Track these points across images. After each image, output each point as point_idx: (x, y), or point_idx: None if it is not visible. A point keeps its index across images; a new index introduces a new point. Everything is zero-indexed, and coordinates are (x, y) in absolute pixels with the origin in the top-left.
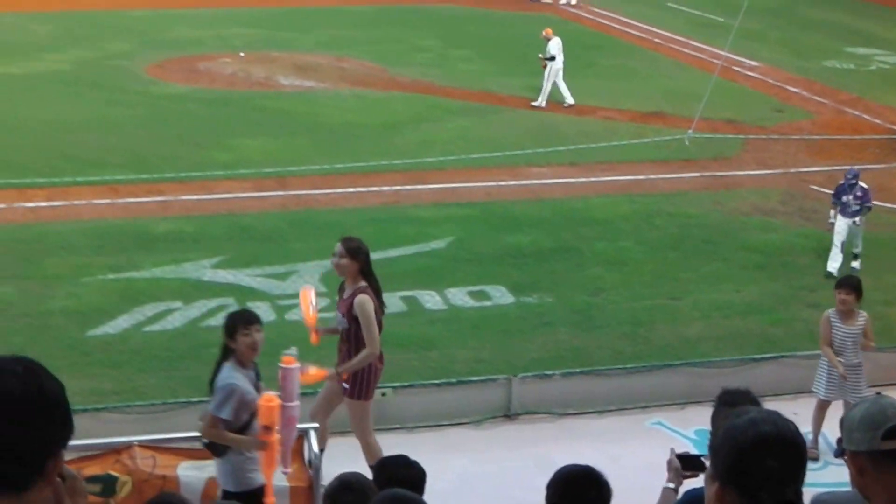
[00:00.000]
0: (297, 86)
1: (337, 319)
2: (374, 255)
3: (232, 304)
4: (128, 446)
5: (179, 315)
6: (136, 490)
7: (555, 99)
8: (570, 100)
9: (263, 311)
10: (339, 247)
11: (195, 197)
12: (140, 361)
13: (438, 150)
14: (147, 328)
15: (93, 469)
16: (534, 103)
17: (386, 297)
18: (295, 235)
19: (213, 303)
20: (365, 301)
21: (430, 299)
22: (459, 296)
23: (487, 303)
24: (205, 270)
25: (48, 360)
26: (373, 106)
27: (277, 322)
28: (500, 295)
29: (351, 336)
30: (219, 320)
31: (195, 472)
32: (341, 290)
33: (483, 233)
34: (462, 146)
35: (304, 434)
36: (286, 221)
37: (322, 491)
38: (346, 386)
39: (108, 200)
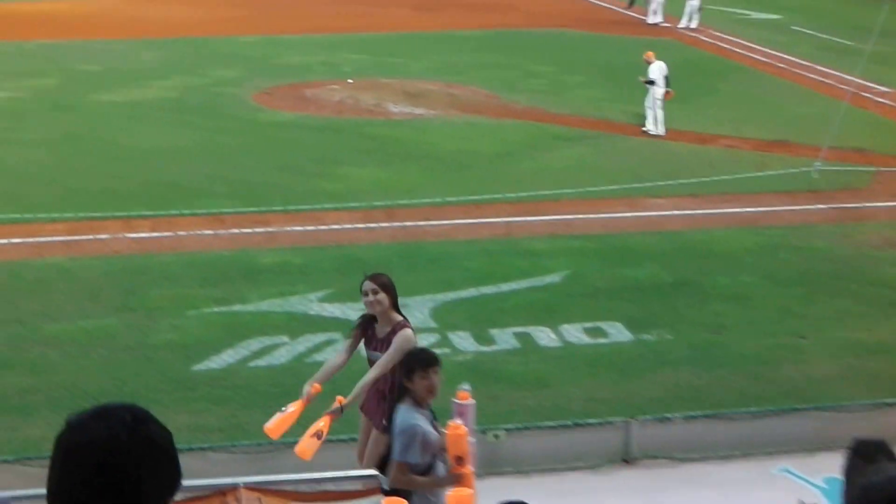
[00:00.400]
0: (406, 113)
1: (371, 359)
2: (485, 290)
3: (339, 340)
4: (233, 487)
5: (285, 350)
6: None
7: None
8: (652, 128)
9: None
10: (369, 284)
11: (302, 228)
12: (245, 397)
13: (552, 180)
14: (252, 363)
15: None
16: (646, 129)
17: (498, 332)
18: (404, 268)
19: (319, 338)
20: (412, 336)
21: (544, 336)
22: (574, 332)
23: (603, 340)
24: (311, 304)
25: (152, 395)
26: (484, 134)
27: None
28: (617, 332)
29: (390, 376)
30: (325, 355)
31: None
32: (365, 328)
33: (599, 266)
34: (577, 175)
35: None
36: (395, 253)
37: None
38: (385, 423)
39: (213, 231)
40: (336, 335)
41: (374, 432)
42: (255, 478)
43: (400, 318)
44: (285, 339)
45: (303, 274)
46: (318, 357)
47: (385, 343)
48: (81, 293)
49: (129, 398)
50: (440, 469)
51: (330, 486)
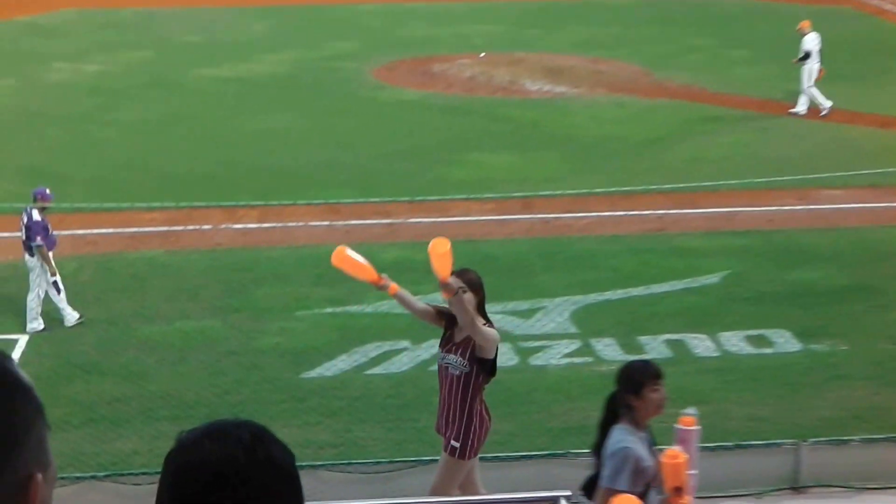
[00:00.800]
0: (546, 92)
1: (449, 364)
2: (634, 292)
3: None
4: None
5: (407, 357)
6: None
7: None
8: (801, 109)
9: (504, 351)
10: (455, 280)
11: (427, 220)
12: (361, 410)
13: (711, 169)
14: (369, 371)
15: None
16: (792, 110)
17: (648, 339)
18: (542, 266)
19: None
20: (496, 333)
21: (700, 344)
22: (735, 341)
23: (768, 350)
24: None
25: (256, 406)
26: (635, 116)
27: (520, 367)
28: (784, 341)
29: (469, 382)
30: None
31: None
32: (448, 324)
33: (764, 267)
34: (739, 164)
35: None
36: (532, 250)
37: None
38: (456, 444)
39: (327, 223)
40: None
41: (443, 454)
42: (372, 501)
43: (483, 321)
44: (406, 343)
45: (427, 272)
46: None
47: (463, 348)
48: (180, 291)
49: (230, 409)
50: (653, 500)
51: None
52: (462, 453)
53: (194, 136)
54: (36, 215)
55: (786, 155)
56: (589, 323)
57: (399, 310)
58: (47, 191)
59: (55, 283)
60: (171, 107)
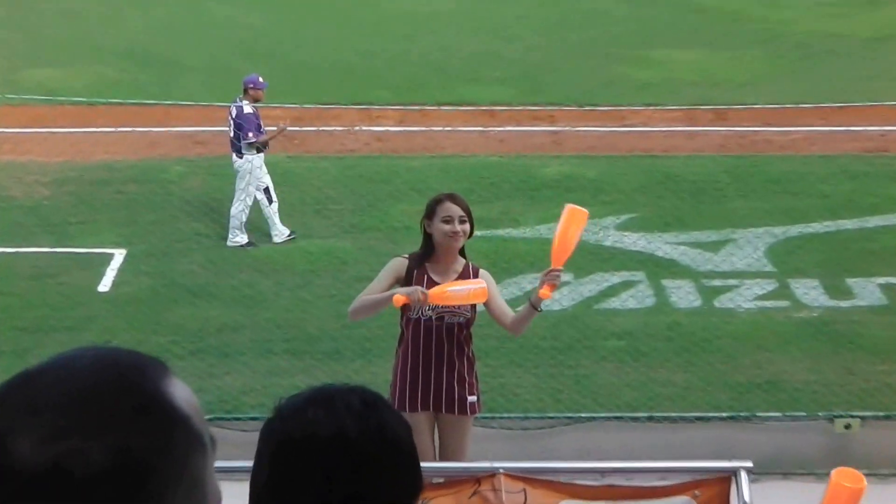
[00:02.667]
0: None
1: (446, 313)
2: (845, 224)
3: (642, 281)
4: (491, 474)
5: (568, 292)
6: None
7: None
8: None
9: (685, 291)
10: (454, 207)
11: (600, 129)
12: (510, 353)
13: None
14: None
15: (444, 502)
16: None
17: (858, 283)
18: (736, 189)
19: (615, 277)
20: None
21: None
22: None
23: None
24: (608, 232)
25: (382, 342)
26: (862, 8)
27: (703, 310)
28: None
29: (469, 326)
30: (621, 301)
31: None
32: (411, 272)
33: None
34: None
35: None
36: (723, 169)
37: None
38: (474, 399)
39: (480, 128)
40: (639, 275)
41: (455, 418)
42: (519, 463)
43: (464, 260)
44: (568, 276)
45: (598, 191)
46: (612, 303)
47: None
48: (304, 204)
49: (358, 345)
50: None
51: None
52: (480, 405)
53: (325, 17)
54: (247, 108)
55: None
56: (788, 260)
57: None
58: (259, 78)
59: (266, 190)
60: None
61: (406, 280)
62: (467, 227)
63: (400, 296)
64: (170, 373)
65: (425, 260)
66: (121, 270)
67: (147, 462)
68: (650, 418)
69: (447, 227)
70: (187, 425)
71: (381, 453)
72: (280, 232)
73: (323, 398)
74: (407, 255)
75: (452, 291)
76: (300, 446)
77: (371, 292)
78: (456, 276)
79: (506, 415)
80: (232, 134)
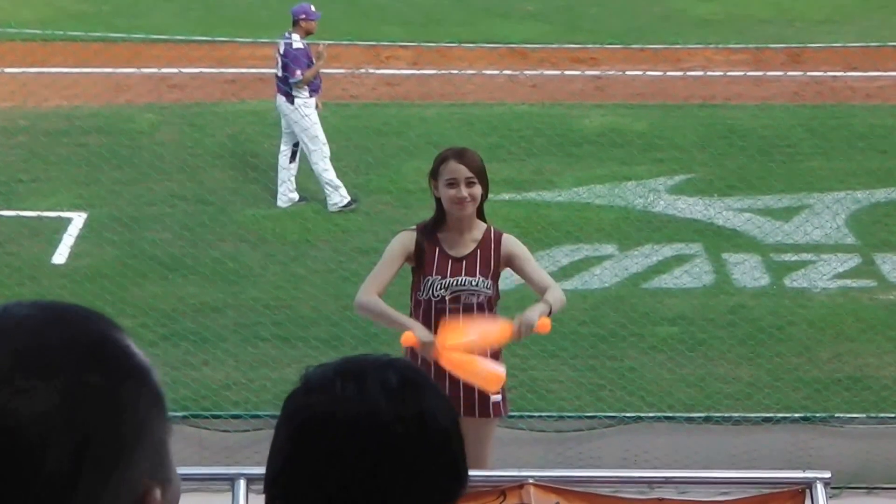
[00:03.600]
0: None
1: (464, 291)
2: None
3: (698, 255)
4: (519, 484)
5: (611, 266)
6: None
7: None
8: None
9: (750, 267)
10: (461, 168)
11: (648, 73)
12: (542, 340)
13: None
14: (560, 283)
15: None
16: None
17: None
18: (811, 147)
19: (667, 250)
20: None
21: None
22: None
23: None
24: (659, 196)
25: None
26: None
27: (772, 289)
28: None
29: (493, 307)
30: (673, 279)
31: None
32: (432, 242)
33: None
34: None
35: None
36: (798, 121)
37: None
38: (498, 398)
39: (508, 72)
40: (695, 247)
41: (477, 421)
42: (550, 472)
43: (485, 224)
44: (611, 249)
45: (647, 147)
46: (663, 281)
47: (482, 263)
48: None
49: (361, 331)
50: None
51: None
52: (505, 406)
53: None
54: (297, 43)
55: None
56: (873, 231)
57: (603, 200)
58: (312, 7)
59: (296, 145)
60: None
61: (416, 257)
62: (477, 190)
63: (410, 335)
64: (123, 331)
65: (437, 230)
66: (79, 238)
67: (103, 403)
68: (708, 419)
69: (452, 192)
70: (144, 375)
71: (417, 444)
72: (285, 195)
73: (355, 370)
74: (414, 227)
75: (463, 361)
76: (324, 425)
77: (379, 278)
78: (475, 245)
79: (536, 414)
80: (280, 74)
